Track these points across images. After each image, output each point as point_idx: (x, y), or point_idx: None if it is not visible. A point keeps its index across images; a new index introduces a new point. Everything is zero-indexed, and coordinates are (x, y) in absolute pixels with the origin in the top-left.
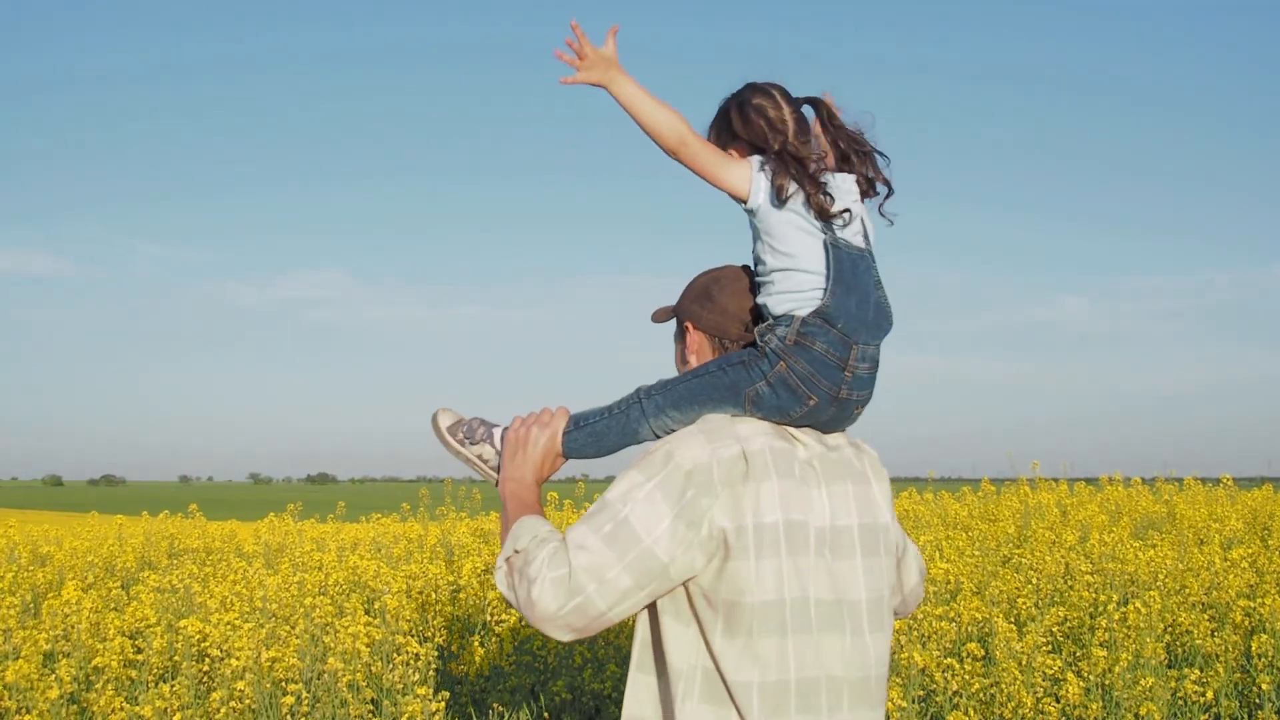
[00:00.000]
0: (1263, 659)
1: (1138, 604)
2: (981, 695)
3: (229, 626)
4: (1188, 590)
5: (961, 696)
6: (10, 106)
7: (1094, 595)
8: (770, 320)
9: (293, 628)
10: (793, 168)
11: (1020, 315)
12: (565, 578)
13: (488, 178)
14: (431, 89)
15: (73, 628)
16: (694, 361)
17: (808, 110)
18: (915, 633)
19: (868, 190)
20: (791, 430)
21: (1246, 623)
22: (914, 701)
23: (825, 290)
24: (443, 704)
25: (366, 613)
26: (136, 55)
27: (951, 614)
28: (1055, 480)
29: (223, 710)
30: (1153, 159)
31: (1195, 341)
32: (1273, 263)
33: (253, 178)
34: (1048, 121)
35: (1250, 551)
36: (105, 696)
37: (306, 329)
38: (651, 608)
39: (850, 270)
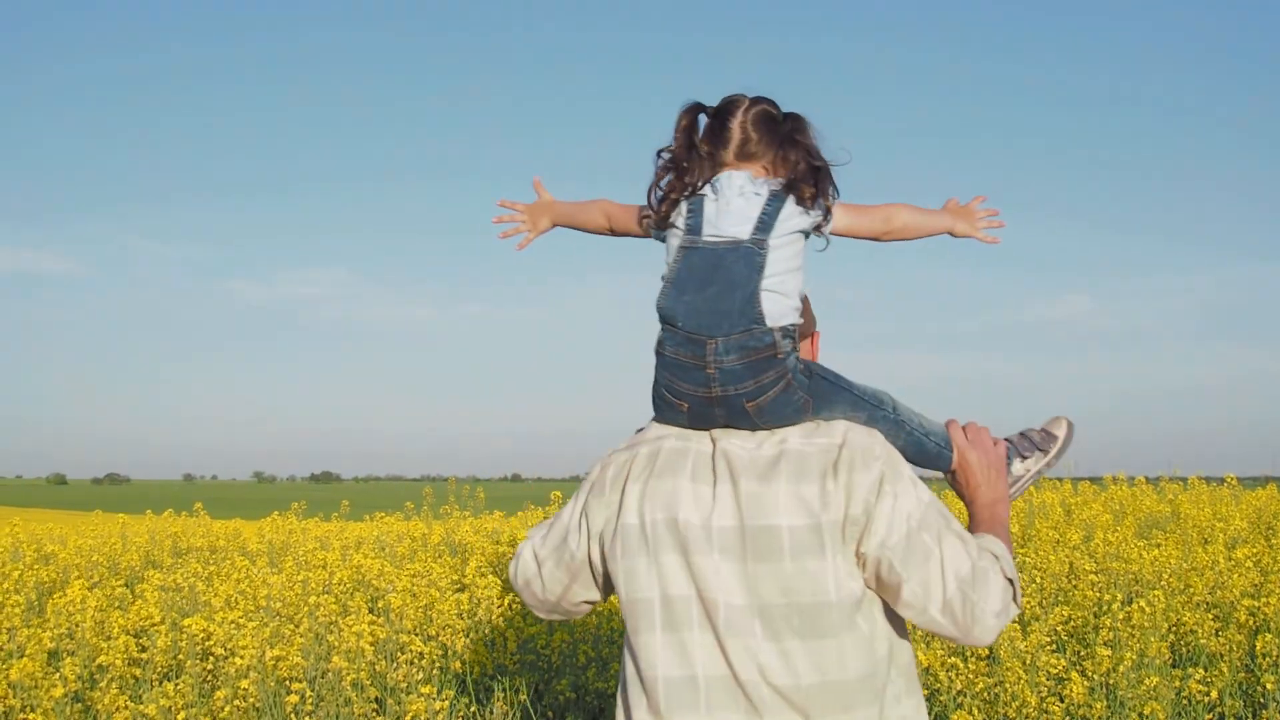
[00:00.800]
0: (1267, 658)
1: (1142, 603)
2: (985, 695)
3: (233, 625)
4: (1192, 590)
5: (965, 696)
6: (16, 107)
7: (1098, 594)
8: None
9: (297, 626)
10: (677, 182)
11: (1024, 313)
12: (515, 559)
13: (494, 176)
14: (436, 88)
15: (77, 626)
16: None
17: (703, 118)
18: (919, 632)
19: (805, 192)
20: (713, 430)
21: (1251, 622)
22: None
23: (663, 290)
24: (446, 703)
25: (370, 611)
26: (143, 56)
27: None
28: (1059, 479)
29: (227, 709)
30: (1158, 157)
31: (1200, 340)
32: (1277, 261)
33: (258, 176)
34: (1051, 120)
35: (1255, 551)
36: (110, 695)
37: (311, 327)
38: None
39: (707, 264)
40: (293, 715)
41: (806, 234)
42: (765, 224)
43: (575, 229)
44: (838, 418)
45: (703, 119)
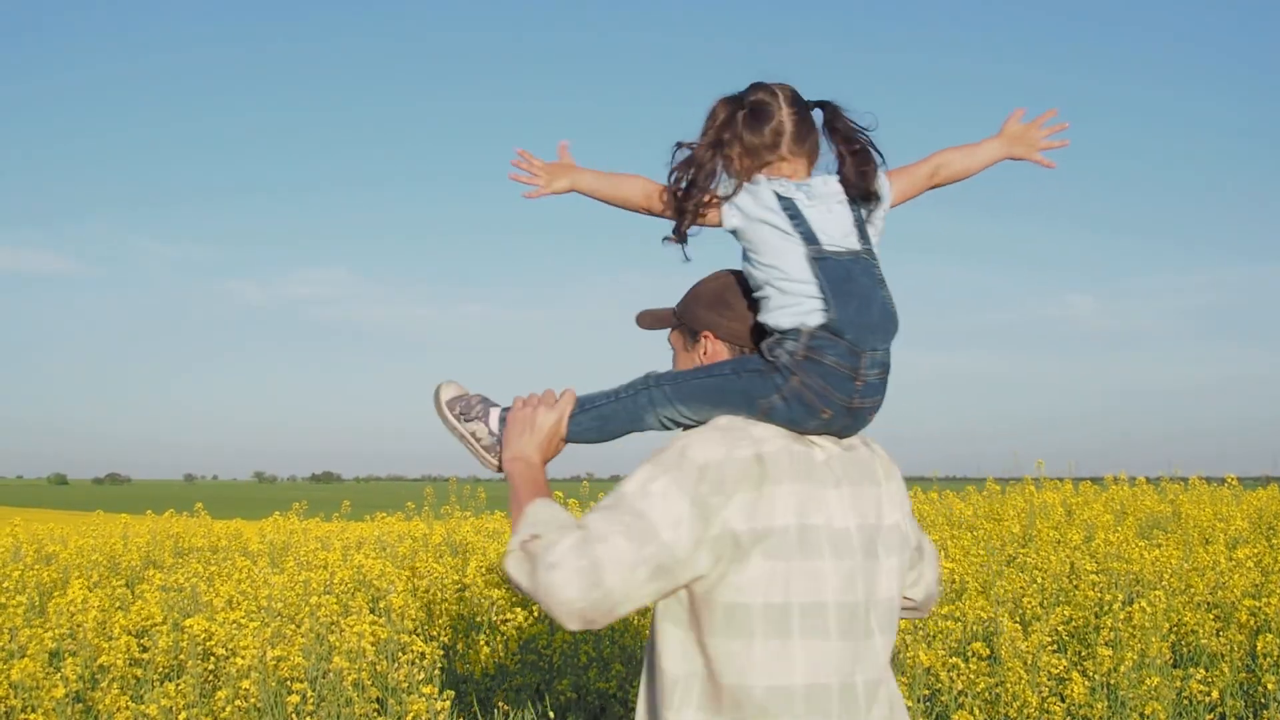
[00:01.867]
0: (1268, 658)
1: (1143, 603)
2: (986, 694)
3: (234, 625)
4: (1193, 590)
5: (967, 696)
6: (16, 108)
7: (1099, 595)
8: (777, 334)
9: (298, 626)
10: (699, 174)
11: (1026, 314)
12: (588, 570)
13: (494, 176)
14: (438, 88)
15: (78, 626)
16: None
17: (817, 114)
18: (920, 632)
19: (864, 192)
20: (809, 436)
21: (1252, 622)
22: (919, 700)
23: (824, 301)
24: (448, 703)
25: (371, 611)
26: (144, 57)
27: (957, 613)
28: (1060, 479)
29: (228, 709)
30: (1161, 158)
31: (1201, 340)
32: (1277, 262)
33: (259, 176)
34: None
35: (1255, 551)
36: (110, 695)
37: (312, 327)
38: (649, 612)
39: (843, 276)
40: (294, 715)
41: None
42: (863, 231)
43: (599, 199)
44: None
45: (817, 114)
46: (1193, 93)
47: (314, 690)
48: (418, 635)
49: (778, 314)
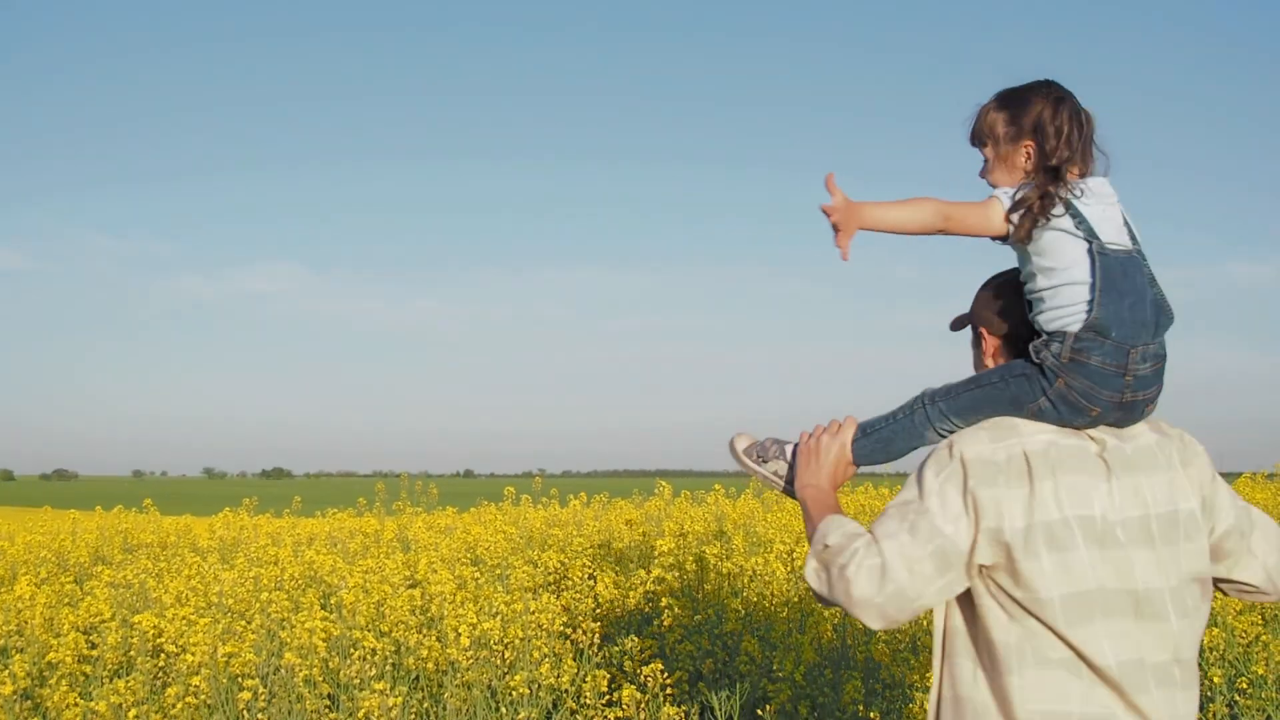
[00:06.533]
0: (1214, 652)
1: None
2: None
3: (184, 622)
4: None
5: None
6: None
7: None
8: (1044, 336)
9: (249, 623)
10: (1053, 183)
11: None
12: (879, 566)
13: (444, 170)
14: (386, 77)
15: (26, 623)
16: (992, 365)
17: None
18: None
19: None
20: (1086, 429)
21: None
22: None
23: (1092, 301)
24: (400, 699)
25: (323, 607)
26: (87, 45)
27: None
28: None
29: (179, 706)
30: (1156, 149)
31: (1195, 337)
32: (1258, 260)
33: (207, 169)
34: None
35: None
36: (59, 692)
37: (261, 322)
38: (959, 596)
39: (1120, 273)
40: (245, 712)
41: None
42: (1132, 232)
43: (890, 232)
44: None
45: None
46: (1195, 87)
47: (265, 687)
48: (369, 631)
49: (1048, 316)
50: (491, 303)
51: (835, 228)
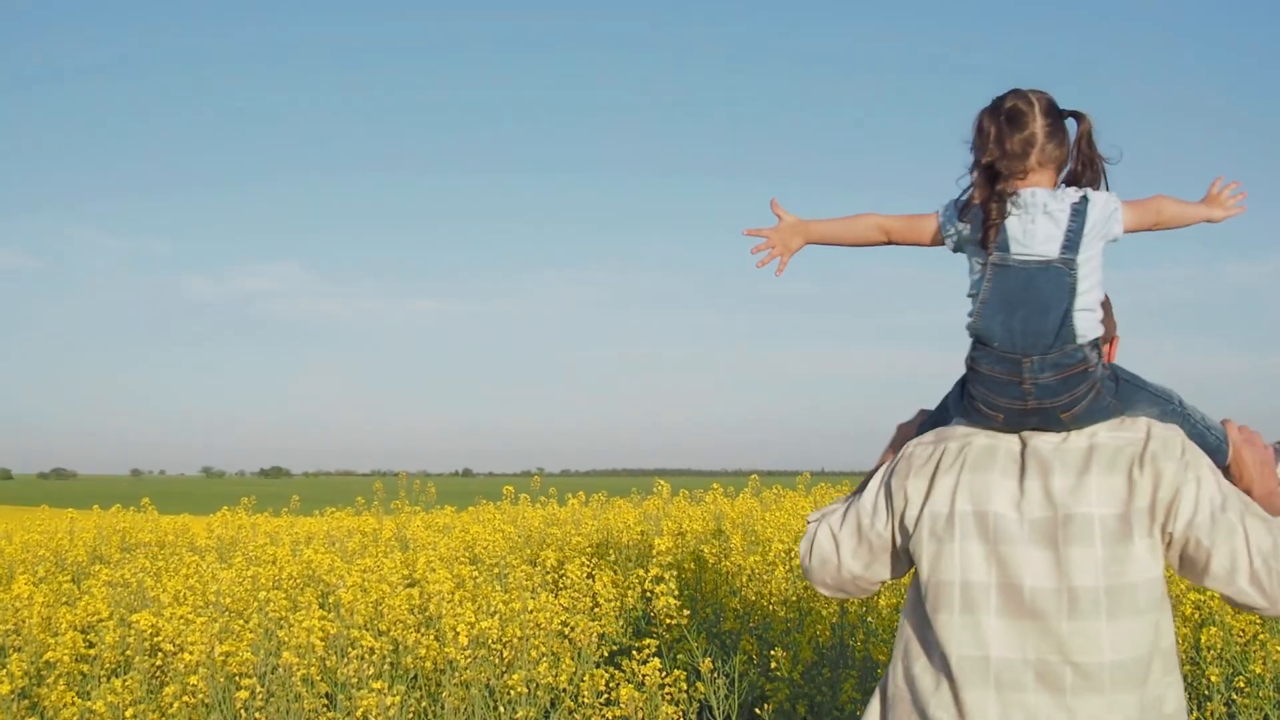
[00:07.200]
0: (1212, 651)
1: None
2: None
3: (182, 621)
4: None
5: None
6: None
7: None
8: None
9: (246, 622)
10: (984, 190)
11: None
12: (811, 537)
13: (445, 171)
14: (387, 83)
15: (24, 622)
16: None
17: (1070, 123)
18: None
19: (1106, 205)
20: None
21: (1196, 615)
22: None
23: (973, 311)
24: (398, 698)
25: (321, 607)
26: (91, 50)
27: None
28: None
29: (176, 705)
30: (1152, 148)
31: (1184, 335)
32: (1254, 261)
33: (208, 170)
34: None
35: None
36: (57, 691)
37: (261, 322)
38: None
39: (1021, 285)
40: (242, 711)
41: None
42: (1072, 242)
43: (832, 244)
44: (1139, 414)
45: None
46: (1185, 86)
47: (263, 686)
48: (367, 630)
49: (968, 324)
50: (490, 302)
51: (771, 248)
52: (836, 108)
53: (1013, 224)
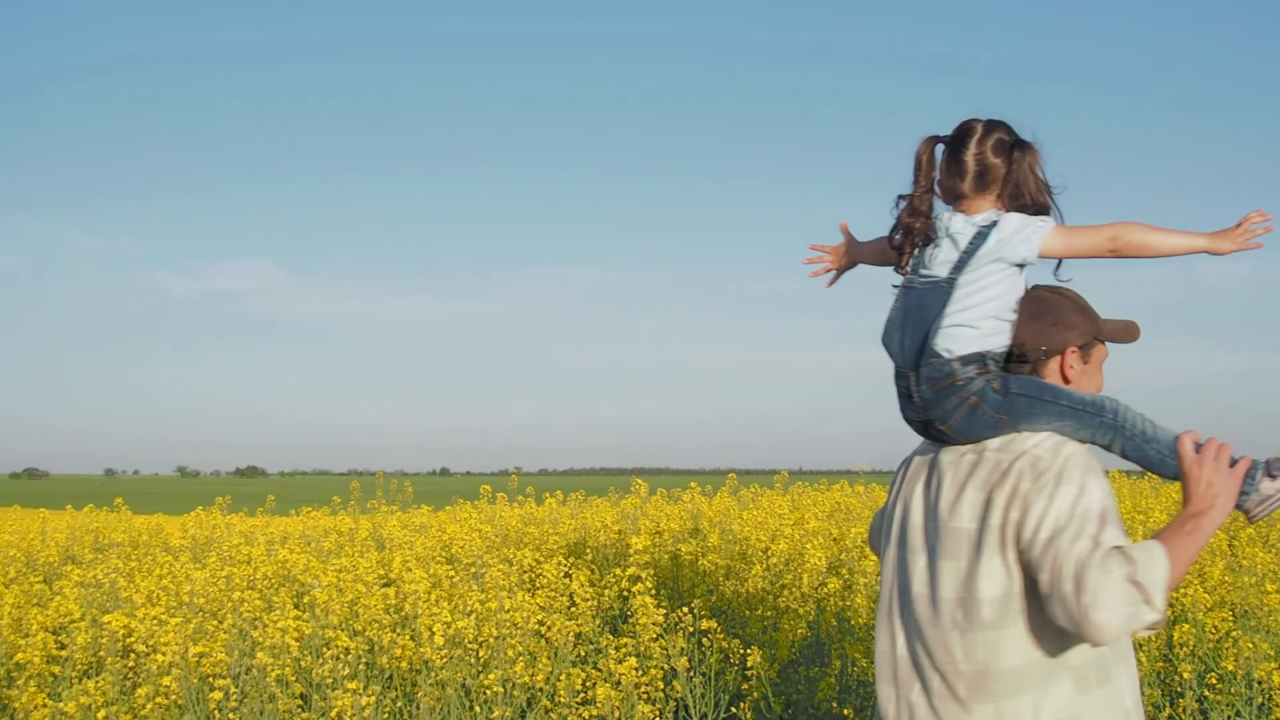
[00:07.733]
0: (1184, 648)
1: None
2: None
3: (155, 621)
4: None
5: None
6: None
7: None
8: None
9: (220, 622)
10: (905, 219)
11: None
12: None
13: (422, 170)
14: (364, 83)
15: None
16: None
17: (940, 148)
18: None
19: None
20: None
21: (1169, 613)
22: None
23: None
24: (373, 698)
25: (296, 607)
26: (67, 51)
27: None
28: None
29: (149, 706)
30: (1137, 146)
31: (1162, 336)
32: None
33: (184, 168)
34: (1035, 115)
35: None
36: (28, 693)
37: (237, 320)
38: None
39: (918, 305)
40: (216, 712)
41: (1019, 265)
42: (961, 264)
43: (876, 265)
44: (1043, 428)
45: (939, 150)
46: (1178, 85)
47: (237, 686)
48: (342, 630)
49: None
50: (467, 301)
51: (829, 268)
52: (832, 107)
53: (928, 249)
